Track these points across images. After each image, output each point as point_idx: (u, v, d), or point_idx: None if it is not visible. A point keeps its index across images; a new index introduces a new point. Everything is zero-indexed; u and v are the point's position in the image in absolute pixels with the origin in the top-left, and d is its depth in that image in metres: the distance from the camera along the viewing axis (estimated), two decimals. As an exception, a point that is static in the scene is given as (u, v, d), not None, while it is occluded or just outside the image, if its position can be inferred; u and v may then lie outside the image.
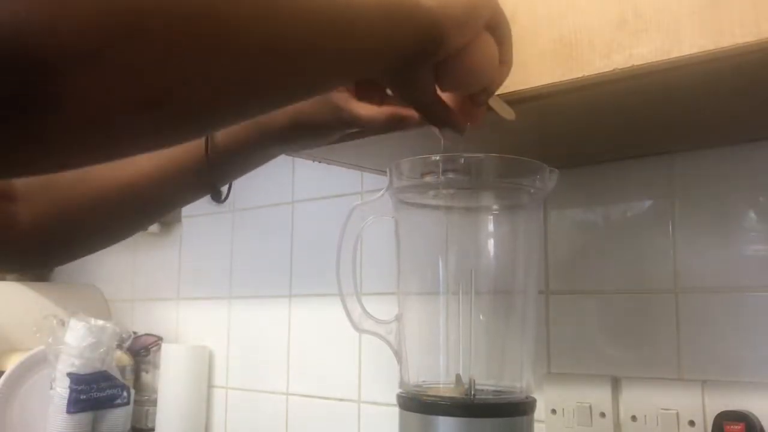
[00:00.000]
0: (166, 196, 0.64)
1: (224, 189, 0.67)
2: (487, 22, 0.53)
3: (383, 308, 0.75)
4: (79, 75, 0.27)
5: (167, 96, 0.32)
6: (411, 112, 0.59)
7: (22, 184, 0.58)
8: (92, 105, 0.29)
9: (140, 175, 0.61)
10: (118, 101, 0.30)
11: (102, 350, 1.26)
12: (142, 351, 1.45)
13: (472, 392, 0.69)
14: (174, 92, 0.32)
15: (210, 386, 1.37)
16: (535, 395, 0.71)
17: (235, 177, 0.66)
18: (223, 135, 0.62)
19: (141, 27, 0.28)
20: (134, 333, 1.41)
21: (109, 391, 1.27)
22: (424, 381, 0.73)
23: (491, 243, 0.78)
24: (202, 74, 0.33)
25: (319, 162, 0.91)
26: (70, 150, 0.31)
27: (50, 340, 1.25)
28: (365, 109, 0.60)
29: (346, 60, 0.43)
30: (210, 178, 0.62)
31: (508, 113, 0.60)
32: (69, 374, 1.22)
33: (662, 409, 0.81)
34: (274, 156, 0.66)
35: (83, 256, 0.66)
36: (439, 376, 0.73)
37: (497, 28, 0.55)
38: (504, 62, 0.57)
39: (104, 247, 0.66)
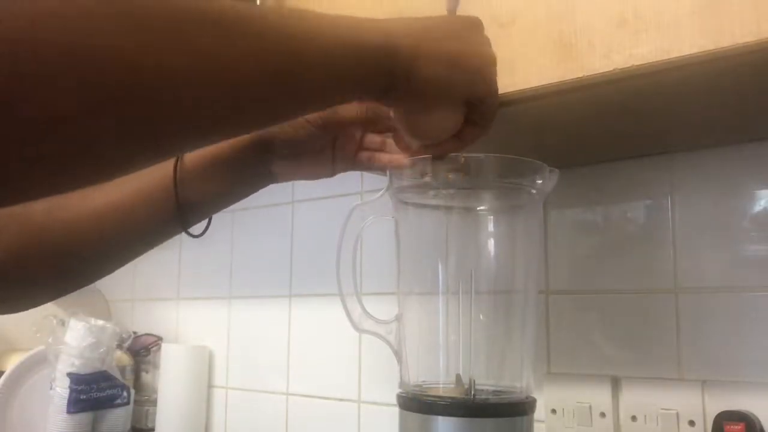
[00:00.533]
0: (137, 227, 0.59)
1: (202, 224, 0.63)
2: (467, 100, 0.53)
3: (383, 308, 0.75)
4: None
5: (84, 142, 0.31)
6: (386, 112, 0.61)
7: None
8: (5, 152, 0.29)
9: (109, 204, 0.58)
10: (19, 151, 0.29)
11: (102, 350, 1.26)
12: (142, 351, 1.45)
13: (472, 392, 0.69)
14: (96, 143, 0.31)
15: (210, 386, 1.37)
16: (535, 395, 0.71)
17: (212, 204, 0.62)
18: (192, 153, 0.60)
19: (50, 77, 0.28)
20: (134, 333, 1.41)
21: (109, 391, 1.27)
22: (424, 381, 0.73)
23: (491, 243, 0.77)
24: (120, 127, 0.32)
25: (319, 162, 0.91)
26: None
27: (50, 340, 1.25)
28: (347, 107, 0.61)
29: (279, 112, 0.43)
30: (179, 201, 0.58)
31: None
32: (69, 374, 1.22)
33: (662, 409, 0.81)
34: (254, 181, 0.64)
35: (67, 291, 0.60)
36: (439, 376, 0.73)
37: (476, 112, 0.54)
38: (462, 139, 0.56)
39: (86, 283, 0.61)
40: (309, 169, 0.66)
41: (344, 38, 0.43)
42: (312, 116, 0.60)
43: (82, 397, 1.22)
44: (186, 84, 0.33)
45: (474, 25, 0.53)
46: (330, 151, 0.66)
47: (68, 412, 1.21)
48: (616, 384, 0.85)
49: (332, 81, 0.43)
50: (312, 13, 0.42)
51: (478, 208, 0.75)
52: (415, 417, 0.67)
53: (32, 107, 0.28)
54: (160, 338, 1.46)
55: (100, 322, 1.27)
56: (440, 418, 0.66)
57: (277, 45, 0.38)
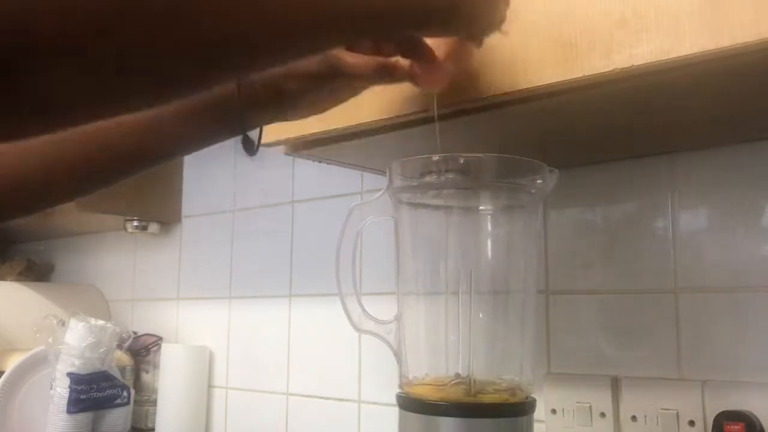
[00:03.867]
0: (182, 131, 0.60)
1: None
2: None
3: (383, 308, 0.75)
4: (39, 66, 0.29)
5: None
6: (399, 64, 0.59)
7: None
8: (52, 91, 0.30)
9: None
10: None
11: (102, 350, 1.26)
12: (142, 351, 1.45)
13: (473, 392, 0.68)
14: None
15: (210, 386, 1.37)
16: (535, 395, 0.71)
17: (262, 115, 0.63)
18: None
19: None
20: (134, 333, 1.41)
21: (109, 391, 1.27)
22: (424, 381, 0.73)
23: (491, 243, 0.77)
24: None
25: (320, 162, 0.91)
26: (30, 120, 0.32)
27: (50, 340, 1.25)
28: (354, 57, 0.59)
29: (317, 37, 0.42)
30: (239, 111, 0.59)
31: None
32: (69, 374, 1.22)
33: (662, 409, 0.81)
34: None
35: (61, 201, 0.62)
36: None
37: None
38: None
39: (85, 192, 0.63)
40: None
41: None
42: (324, 67, 0.60)
43: (82, 397, 1.22)
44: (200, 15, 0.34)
45: None
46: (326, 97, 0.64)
47: (68, 412, 1.21)
48: (616, 384, 0.85)
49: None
50: None
51: (478, 208, 0.75)
52: (415, 417, 0.67)
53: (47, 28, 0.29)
54: (160, 338, 1.46)
55: (100, 322, 1.27)
56: (440, 418, 0.66)
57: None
